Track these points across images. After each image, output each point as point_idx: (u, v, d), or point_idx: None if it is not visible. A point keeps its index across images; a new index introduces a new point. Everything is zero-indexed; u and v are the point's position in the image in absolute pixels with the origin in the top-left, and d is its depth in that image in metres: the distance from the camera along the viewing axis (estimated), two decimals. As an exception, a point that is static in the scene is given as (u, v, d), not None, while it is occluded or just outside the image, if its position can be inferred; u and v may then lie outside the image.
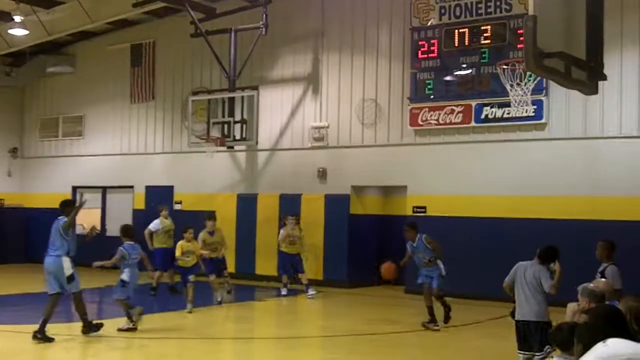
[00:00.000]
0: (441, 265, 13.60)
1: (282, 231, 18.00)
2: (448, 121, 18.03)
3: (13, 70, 25.40)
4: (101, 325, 12.24)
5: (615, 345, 1.88)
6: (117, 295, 12.86)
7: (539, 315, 8.98)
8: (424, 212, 18.41)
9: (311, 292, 17.58)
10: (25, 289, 18.38)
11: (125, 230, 13.42)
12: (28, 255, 25.36)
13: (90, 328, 12.11)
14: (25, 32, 22.23)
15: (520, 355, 9.11)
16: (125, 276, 12.79)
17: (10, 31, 22.52)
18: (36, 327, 11.51)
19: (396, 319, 15.12)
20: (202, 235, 16.23)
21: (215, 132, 20.57)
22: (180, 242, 15.61)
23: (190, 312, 14.79)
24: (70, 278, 11.79)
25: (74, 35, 24.38)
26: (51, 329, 11.69)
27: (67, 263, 11.78)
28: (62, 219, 11.89)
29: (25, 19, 21.47)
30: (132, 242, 13.03)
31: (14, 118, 27.19)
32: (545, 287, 8.92)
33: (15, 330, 12.48)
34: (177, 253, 15.32)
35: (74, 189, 25.50)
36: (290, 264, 17.85)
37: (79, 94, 25.71)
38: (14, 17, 21.09)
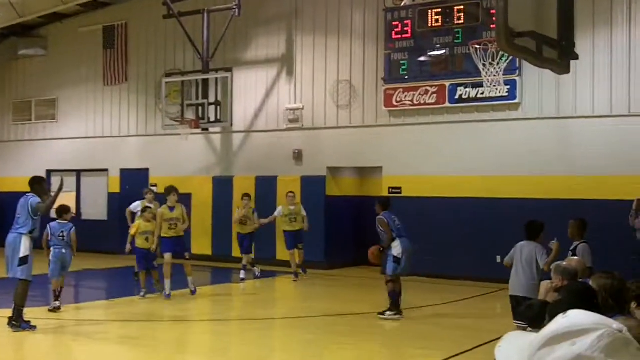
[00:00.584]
0: (393, 247, 12.71)
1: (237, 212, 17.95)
2: (422, 102, 18.07)
3: (-16, 53, 25.14)
4: (35, 327, 11.11)
5: (574, 316, 1.89)
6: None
7: (527, 291, 9.23)
8: (400, 192, 18.47)
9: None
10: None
11: (58, 209, 13.32)
12: (2, 239, 25.14)
13: (20, 324, 11.01)
14: (-4, 14, 22.00)
15: (516, 324, 9.32)
16: (50, 255, 12.82)
17: (-20, 14, 22.29)
18: (9, 312, 11.31)
19: (374, 299, 15.15)
20: (161, 210, 14.78)
21: (189, 114, 20.47)
22: (137, 222, 15.02)
23: (169, 295, 14.55)
24: (23, 260, 10.92)
25: (46, 17, 24.13)
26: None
27: (26, 243, 11.02)
28: (32, 197, 11.19)
29: (-5, 1, 21.25)
30: (63, 222, 13.01)
31: (-14, 102, 26.94)
32: (540, 263, 9.26)
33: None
34: (132, 232, 14.81)
35: (48, 172, 25.27)
36: (246, 243, 17.64)
37: (51, 76, 25.47)
38: (-16, -1, 20.85)
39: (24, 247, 10.97)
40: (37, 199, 11.21)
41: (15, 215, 11.37)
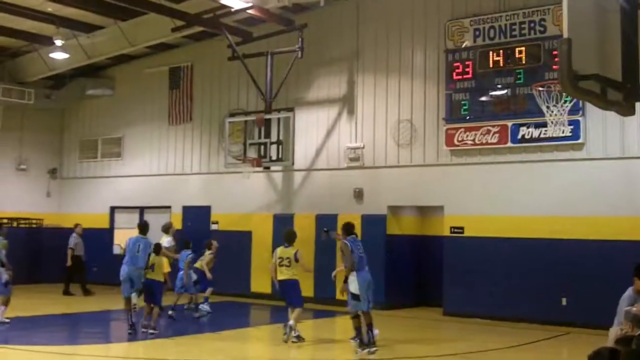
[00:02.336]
0: (350, 282, 12.81)
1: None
2: (484, 141, 18.02)
3: (53, 92, 25.82)
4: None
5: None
6: None
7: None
8: (462, 232, 18.37)
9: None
10: (62, 309, 18.59)
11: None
12: (65, 275, 25.72)
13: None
14: (66, 55, 22.66)
15: None
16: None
17: (51, 55, 22.98)
18: (69, 347, 11.57)
19: (434, 341, 15.07)
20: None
21: (251, 153, 20.75)
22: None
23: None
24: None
25: (113, 58, 24.79)
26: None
27: None
28: (148, 241, 14.57)
29: (65, 43, 21.88)
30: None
31: (54, 139, 27.66)
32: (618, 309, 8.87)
33: (51, 352, 12.51)
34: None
35: (112, 209, 25.83)
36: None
37: (117, 116, 26.10)
38: (55, 41, 21.48)
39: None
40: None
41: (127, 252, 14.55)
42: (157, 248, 15.36)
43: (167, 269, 15.08)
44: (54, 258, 25.35)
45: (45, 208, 26.94)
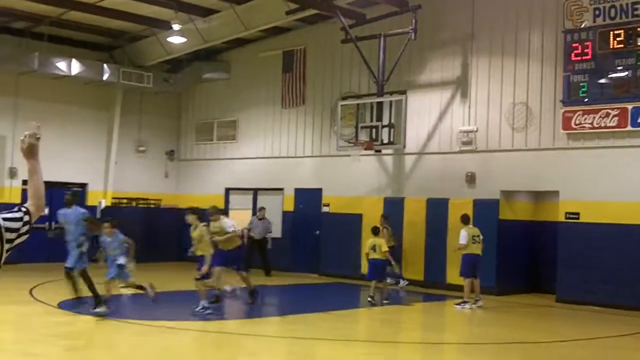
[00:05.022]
0: None
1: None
2: (603, 125, 17.46)
3: (171, 76, 26.46)
4: None
5: None
6: None
7: None
8: (577, 218, 17.91)
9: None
10: (178, 286, 19.11)
11: None
12: (181, 254, 26.49)
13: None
14: (183, 39, 23.18)
15: None
16: None
17: (168, 39, 23.54)
18: (187, 323, 11.88)
19: (547, 328, 14.80)
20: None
21: (363, 136, 20.76)
22: None
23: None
24: None
25: (229, 42, 25.20)
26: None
27: None
28: None
29: (183, 27, 22.38)
30: None
31: (172, 122, 28.41)
32: None
33: (170, 327, 12.98)
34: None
35: (227, 190, 26.38)
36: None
37: (232, 99, 26.57)
38: (173, 26, 22.01)
39: None
40: None
41: None
42: (375, 231, 17.20)
43: (385, 248, 16.80)
44: (170, 237, 26.15)
45: (163, 189, 27.76)
